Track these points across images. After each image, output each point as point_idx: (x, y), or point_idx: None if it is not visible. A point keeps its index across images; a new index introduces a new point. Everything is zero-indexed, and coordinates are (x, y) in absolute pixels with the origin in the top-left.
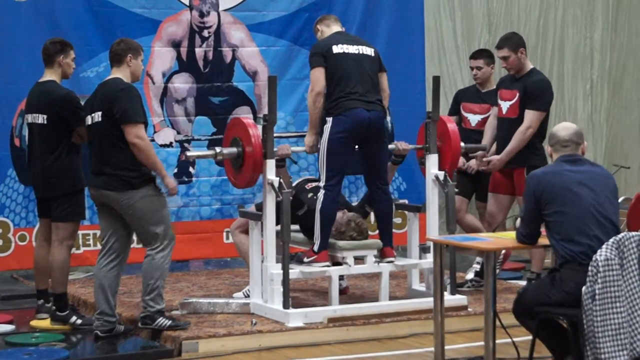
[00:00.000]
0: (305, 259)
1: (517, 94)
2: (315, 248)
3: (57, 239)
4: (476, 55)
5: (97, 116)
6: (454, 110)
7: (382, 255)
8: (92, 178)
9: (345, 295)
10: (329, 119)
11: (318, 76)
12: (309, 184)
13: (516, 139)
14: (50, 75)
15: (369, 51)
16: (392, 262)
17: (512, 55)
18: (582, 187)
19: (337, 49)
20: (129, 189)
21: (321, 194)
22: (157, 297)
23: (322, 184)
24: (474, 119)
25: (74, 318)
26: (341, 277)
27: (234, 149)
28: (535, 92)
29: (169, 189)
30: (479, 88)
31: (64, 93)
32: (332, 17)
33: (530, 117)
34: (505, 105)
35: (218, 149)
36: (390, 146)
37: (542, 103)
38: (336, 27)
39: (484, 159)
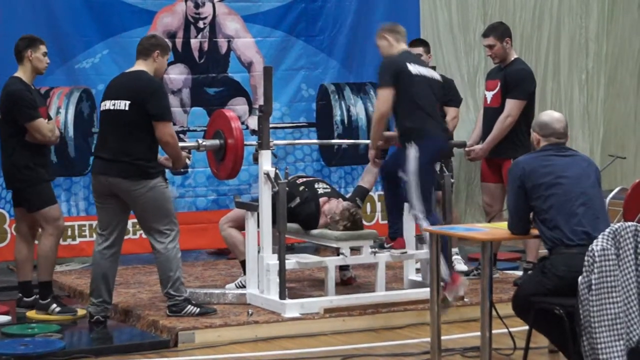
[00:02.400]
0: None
1: (499, 84)
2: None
3: (44, 228)
4: (415, 44)
5: (124, 105)
6: None
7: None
8: (101, 165)
9: (342, 286)
10: (413, 146)
11: (387, 97)
12: (300, 179)
13: (496, 127)
14: (19, 71)
15: (437, 76)
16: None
17: (497, 43)
18: (566, 171)
19: (413, 69)
20: (145, 178)
21: (426, 224)
22: (180, 286)
23: (420, 214)
24: None
25: (53, 306)
26: (346, 267)
27: (216, 141)
28: (514, 81)
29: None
30: None
31: (14, 89)
32: (403, 32)
33: (510, 105)
34: (489, 95)
35: (201, 140)
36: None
37: (521, 92)
38: (404, 45)
39: (466, 149)
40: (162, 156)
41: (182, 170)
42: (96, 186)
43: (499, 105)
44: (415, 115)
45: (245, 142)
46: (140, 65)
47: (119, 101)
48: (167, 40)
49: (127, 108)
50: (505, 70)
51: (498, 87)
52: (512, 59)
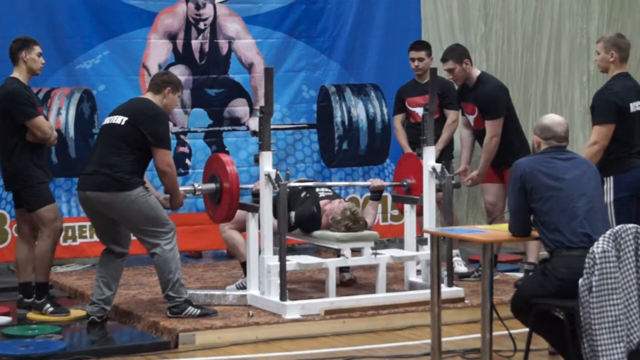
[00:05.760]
0: None
1: (476, 108)
2: None
3: (43, 228)
4: (418, 47)
5: (120, 120)
6: (399, 109)
7: None
8: (81, 180)
9: (342, 287)
10: (609, 179)
11: (606, 134)
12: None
13: (485, 151)
14: (15, 73)
15: None
16: None
17: (457, 66)
18: (567, 173)
19: (633, 107)
20: (122, 190)
21: None
22: (180, 288)
23: None
24: (421, 112)
25: (47, 306)
26: (346, 269)
27: (212, 185)
28: (485, 102)
29: (177, 204)
30: (418, 80)
31: (11, 88)
32: (627, 51)
33: (490, 127)
34: (470, 119)
35: (197, 185)
36: (366, 183)
37: (495, 111)
38: (624, 65)
39: (464, 180)
40: (161, 195)
41: (182, 171)
42: (80, 202)
43: (483, 127)
44: (616, 150)
45: (240, 186)
46: (148, 96)
47: (117, 116)
48: (167, 41)
49: (122, 123)
50: (475, 92)
51: (476, 111)
52: (476, 77)
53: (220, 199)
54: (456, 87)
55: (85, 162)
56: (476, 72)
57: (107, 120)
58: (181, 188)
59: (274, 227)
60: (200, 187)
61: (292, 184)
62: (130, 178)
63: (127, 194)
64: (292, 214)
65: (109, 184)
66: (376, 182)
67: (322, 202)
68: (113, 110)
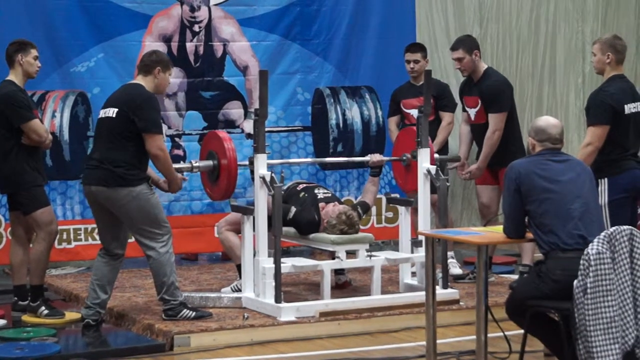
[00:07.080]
0: None
1: (479, 101)
2: None
3: (38, 231)
4: (413, 49)
5: (112, 112)
6: (394, 111)
7: None
8: (86, 174)
9: (337, 290)
10: (604, 180)
11: (601, 135)
12: (300, 185)
13: (487, 144)
14: (11, 75)
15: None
16: None
17: (466, 56)
18: (561, 175)
19: (628, 108)
20: (124, 185)
21: None
22: (175, 291)
23: None
24: (416, 113)
25: (41, 308)
26: (341, 272)
27: (209, 162)
28: (491, 96)
29: (176, 188)
30: (413, 83)
31: (7, 91)
32: (623, 53)
33: (494, 120)
34: (472, 113)
35: (194, 162)
36: (364, 158)
37: (500, 105)
38: (620, 67)
39: (464, 172)
40: (161, 178)
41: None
42: (86, 196)
43: (484, 121)
44: (611, 152)
45: (238, 163)
46: (139, 80)
47: (110, 109)
48: (162, 43)
49: (114, 115)
50: (480, 86)
51: (479, 104)
52: (483, 71)
53: (218, 176)
54: (460, 80)
55: (89, 156)
56: (483, 66)
57: (101, 113)
58: (179, 165)
59: (269, 204)
60: (197, 164)
61: (295, 160)
62: (133, 174)
63: (129, 189)
64: (293, 209)
65: (111, 179)
66: (375, 157)
67: (320, 205)
68: (106, 101)
